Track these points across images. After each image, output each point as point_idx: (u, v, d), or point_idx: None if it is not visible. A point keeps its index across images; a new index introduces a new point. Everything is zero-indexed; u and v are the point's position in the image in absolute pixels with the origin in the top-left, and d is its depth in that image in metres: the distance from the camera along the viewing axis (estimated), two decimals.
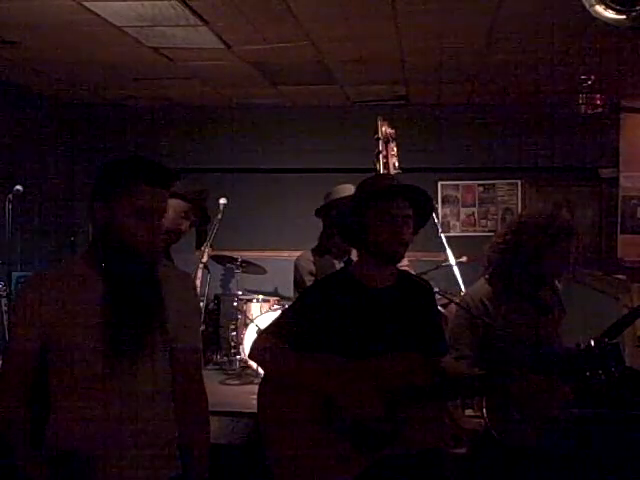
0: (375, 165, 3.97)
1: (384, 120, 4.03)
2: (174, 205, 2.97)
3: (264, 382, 2.46)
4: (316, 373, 2.29)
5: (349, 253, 3.81)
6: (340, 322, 2.32)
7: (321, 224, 4.08)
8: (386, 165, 3.93)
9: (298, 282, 3.96)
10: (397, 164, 3.97)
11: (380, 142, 3.96)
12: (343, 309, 2.33)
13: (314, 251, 3.99)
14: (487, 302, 2.67)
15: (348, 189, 3.80)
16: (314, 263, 3.90)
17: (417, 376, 2.28)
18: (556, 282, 2.85)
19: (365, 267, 2.41)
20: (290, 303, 3.69)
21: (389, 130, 3.99)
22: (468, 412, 4.07)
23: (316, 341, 2.32)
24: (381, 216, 2.31)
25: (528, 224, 2.69)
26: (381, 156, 3.94)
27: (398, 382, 2.27)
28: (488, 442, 2.70)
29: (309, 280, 3.84)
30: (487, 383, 2.41)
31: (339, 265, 3.84)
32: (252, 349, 2.47)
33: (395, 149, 4.00)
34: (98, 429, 1.89)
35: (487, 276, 2.77)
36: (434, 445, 2.34)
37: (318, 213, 4.02)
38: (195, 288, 2.45)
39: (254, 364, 5.65)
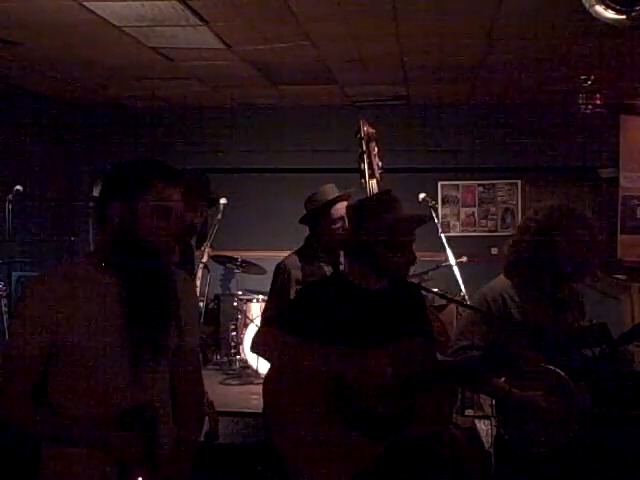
0: (360, 165, 3.92)
1: (365, 120, 4.02)
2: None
3: (270, 374, 2.46)
4: (324, 360, 2.30)
5: (338, 257, 3.72)
6: (340, 318, 2.35)
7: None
8: (370, 165, 3.90)
9: (279, 287, 3.59)
10: (380, 164, 3.94)
11: (363, 142, 3.93)
12: (341, 305, 2.37)
13: (300, 255, 3.70)
14: (505, 295, 2.70)
15: (332, 190, 3.66)
16: (301, 269, 3.63)
17: (423, 360, 2.32)
18: (574, 285, 2.82)
19: (361, 272, 2.45)
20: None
21: (370, 130, 3.97)
22: (468, 412, 4.09)
23: (317, 334, 2.33)
24: (396, 245, 2.37)
25: (543, 217, 2.71)
26: (365, 156, 3.91)
27: (405, 367, 2.29)
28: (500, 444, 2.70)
29: (294, 287, 3.55)
30: (497, 361, 2.43)
31: (328, 270, 3.65)
32: (254, 342, 2.48)
33: (376, 149, 3.97)
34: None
35: (504, 271, 2.80)
36: (443, 426, 2.38)
37: (304, 220, 3.74)
38: (195, 289, 2.45)
39: (254, 364, 5.67)
